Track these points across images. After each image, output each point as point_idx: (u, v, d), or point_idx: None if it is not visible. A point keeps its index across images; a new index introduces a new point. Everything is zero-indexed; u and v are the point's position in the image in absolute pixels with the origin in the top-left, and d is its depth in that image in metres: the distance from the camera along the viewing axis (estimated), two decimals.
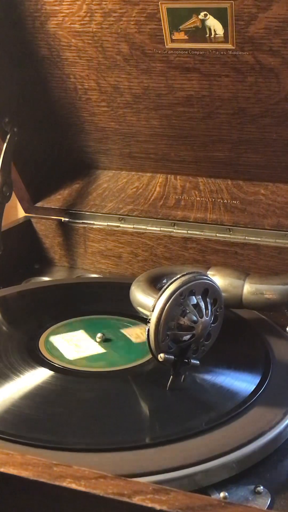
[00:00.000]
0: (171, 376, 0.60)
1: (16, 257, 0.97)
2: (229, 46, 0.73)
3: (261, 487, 0.50)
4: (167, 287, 0.59)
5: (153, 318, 0.58)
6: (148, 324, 0.58)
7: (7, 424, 0.55)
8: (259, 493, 0.50)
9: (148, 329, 0.58)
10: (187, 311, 0.59)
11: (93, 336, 0.70)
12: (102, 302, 0.82)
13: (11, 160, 0.91)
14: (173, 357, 0.59)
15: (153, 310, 0.58)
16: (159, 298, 0.58)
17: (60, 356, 0.66)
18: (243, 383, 0.62)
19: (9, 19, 0.82)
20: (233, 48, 0.73)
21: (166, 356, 0.58)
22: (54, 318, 0.75)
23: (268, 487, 0.50)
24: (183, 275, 0.60)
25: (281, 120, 0.79)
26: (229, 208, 0.89)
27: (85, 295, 0.84)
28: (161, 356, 0.58)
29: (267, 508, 0.49)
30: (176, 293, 0.58)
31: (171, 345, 0.59)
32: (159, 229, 0.93)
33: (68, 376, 0.63)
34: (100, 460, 0.51)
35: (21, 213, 1.05)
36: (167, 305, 0.58)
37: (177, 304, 0.59)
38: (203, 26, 0.72)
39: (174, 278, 0.59)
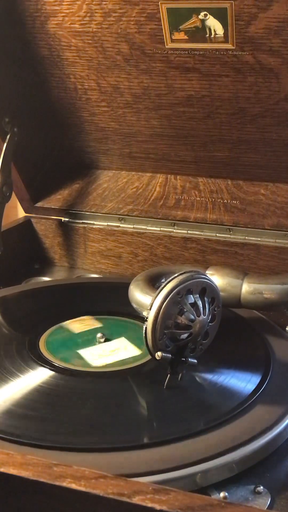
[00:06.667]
0: (168, 375, 0.60)
1: (16, 257, 0.97)
2: (229, 46, 0.73)
3: (261, 487, 0.50)
4: (164, 286, 0.59)
5: (151, 316, 0.58)
6: (146, 323, 0.58)
7: (7, 424, 0.55)
8: (259, 493, 0.50)
9: (146, 328, 0.58)
10: (185, 310, 0.59)
11: (91, 343, 0.69)
12: (102, 302, 0.82)
13: (11, 160, 0.91)
14: (170, 355, 0.59)
15: (150, 309, 0.58)
16: (156, 296, 0.58)
17: (127, 360, 0.65)
18: (243, 382, 0.62)
19: (9, 19, 0.82)
20: (233, 48, 0.73)
21: (163, 354, 0.58)
22: (54, 318, 0.75)
23: (268, 487, 0.50)
24: (180, 274, 0.60)
25: (281, 120, 0.79)
26: (229, 208, 0.89)
27: (85, 295, 0.84)
28: (158, 354, 0.58)
29: (267, 508, 0.49)
30: (174, 291, 0.58)
31: (168, 343, 0.59)
32: (159, 229, 0.93)
33: (67, 376, 0.63)
34: (100, 460, 0.51)
35: (21, 213, 1.05)
36: (165, 303, 0.58)
37: (175, 302, 0.59)
38: (203, 26, 0.72)
39: (172, 277, 0.59)
